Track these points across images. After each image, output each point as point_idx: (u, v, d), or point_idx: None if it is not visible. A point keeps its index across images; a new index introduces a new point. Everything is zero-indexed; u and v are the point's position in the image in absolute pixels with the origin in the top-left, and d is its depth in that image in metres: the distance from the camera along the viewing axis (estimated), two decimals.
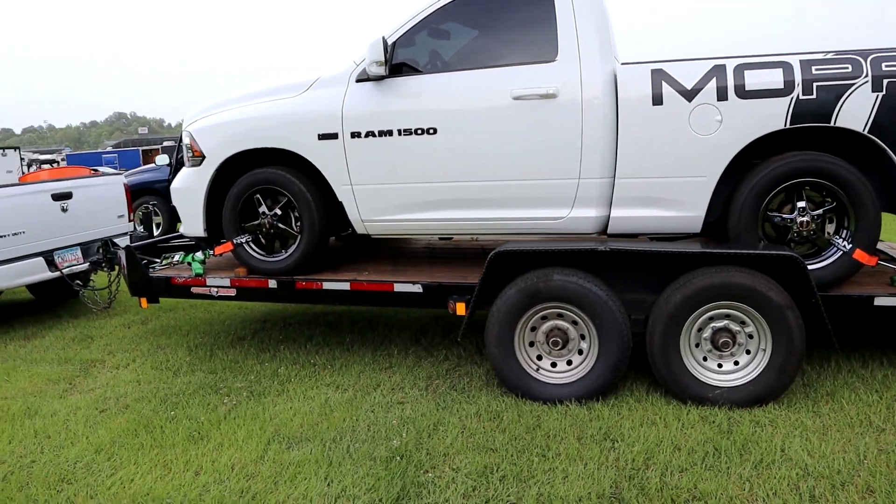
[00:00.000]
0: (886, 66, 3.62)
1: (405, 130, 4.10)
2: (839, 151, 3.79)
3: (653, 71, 3.84)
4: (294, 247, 4.39)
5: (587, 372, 3.81)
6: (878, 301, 3.73)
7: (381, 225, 4.30)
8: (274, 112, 4.28)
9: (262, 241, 4.48)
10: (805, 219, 3.80)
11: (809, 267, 3.80)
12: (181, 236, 5.19)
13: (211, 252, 4.57)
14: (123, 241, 5.68)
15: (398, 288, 4.20)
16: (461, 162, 4.06)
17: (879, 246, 5.50)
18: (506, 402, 3.84)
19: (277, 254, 4.46)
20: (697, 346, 3.76)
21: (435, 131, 4.06)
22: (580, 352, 3.87)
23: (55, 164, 28.43)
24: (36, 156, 31.48)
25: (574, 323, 3.84)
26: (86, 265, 5.91)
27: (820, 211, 3.81)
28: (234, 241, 4.43)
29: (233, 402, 4.00)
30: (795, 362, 3.59)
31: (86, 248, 5.97)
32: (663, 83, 3.81)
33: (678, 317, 3.66)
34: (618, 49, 4.12)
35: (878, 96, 3.60)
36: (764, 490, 2.88)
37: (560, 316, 3.86)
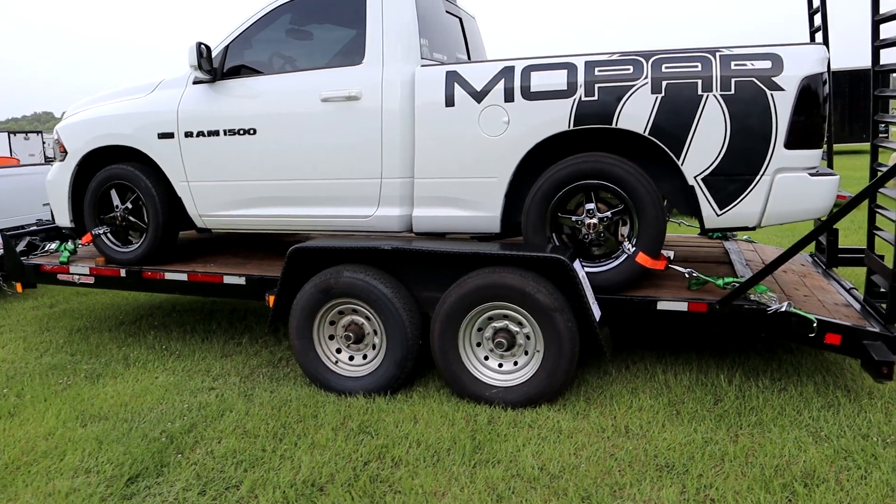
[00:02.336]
0: (666, 67, 3.56)
1: (229, 131, 4.31)
2: (636, 154, 3.76)
3: (447, 73, 3.90)
4: (143, 239, 4.69)
5: (377, 366, 3.94)
6: (661, 305, 3.69)
7: (215, 220, 4.54)
8: (123, 112, 4.59)
9: (119, 232, 4.82)
10: (593, 221, 3.79)
11: (596, 270, 3.81)
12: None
13: (80, 242, 4.94)
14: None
15: (227, 280, 4.43)
16: (278, 161, 4.24)
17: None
18: (303, 392, 4.01)
19: (130, 245, 4.78)
20: (479, 344, 3.83)
21: (255, 132, 4.26)
22: (374, 346, 4.00)
23: None
24: None
25: (368, 318, 3.98)
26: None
27: (608, 213, 3.78)
28: (93, 233, 4.78)
29: (68, 382, 4.35)
30: (565, 365, 3.60)
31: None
32: (456, 85, 3.87)
33: (454, 315, 3.74)
34: (430, 50, 4.18)
35: (657, 98, 3.55)
36: (461, 488, 2.97)
37: (355, 311, 4.00)
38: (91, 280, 4.78)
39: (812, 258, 5.20)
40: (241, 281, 4.38)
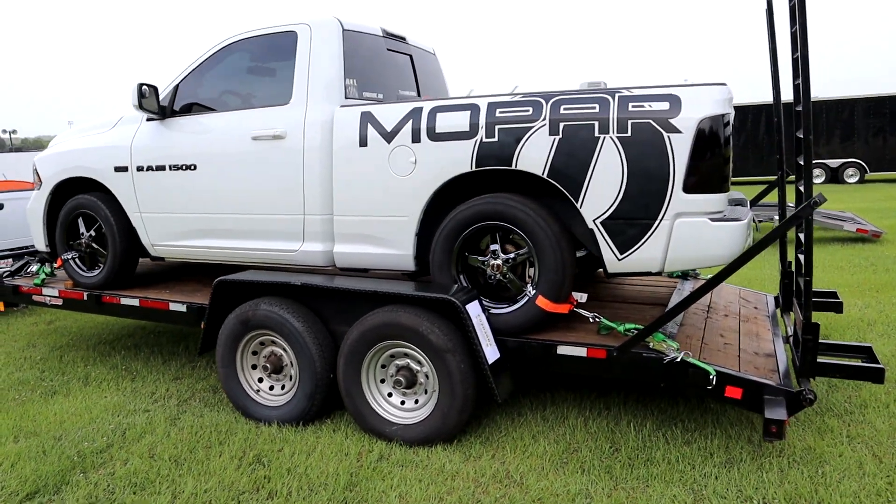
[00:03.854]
0: (565, 109, 3.53)
1: (174, 166, 4.55)
2: (547, 196, 3.71)
3: (362, 113, 3.99)
4: (104, 265, 4.99)
5: (291, 398, 4.04)
6: (561, 350, 3.62)
7: (165, 249, 4.78)
8: (88, 146, 4.92)
9: (84, 258, 5.14)
10: (497, 262, 3.77)
11: (499, 311, 3.79)
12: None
13: (55, 265, 5.30)
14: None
15: (172, 307, 4.65)
16: (216, 196, 4.44)
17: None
18: (226, 419, 4.16)
19: (94, 270, 5.09)
20: (383, 381, 3.87)
21: (195, 167, 4.48)
22: (290, 377, 4.10)
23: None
24: None
25: (285, 350, 4.09)
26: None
27: (512, 254, 3.76)
28: (62, 257, 5.12)
29: (24, 398, 4.67)
30: (458, 407, 3.59)
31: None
32: (369, 125, 3.96)
33: (356, 351, 3.80)
34: (358, 90, 4.28)
35: (554, 140, 3.52)
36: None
37: (274, 343, 4.13)
38: (59, 302, 5.12)
39: (776, 300, 4.96)
40: (184, 308, 4.59)
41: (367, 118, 3.97)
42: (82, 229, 5.07)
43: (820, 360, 3.51)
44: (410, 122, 3.84)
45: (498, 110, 3.66)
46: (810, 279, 3.34)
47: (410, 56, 4.99)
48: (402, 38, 4.92)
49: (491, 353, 3.60)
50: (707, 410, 4.01)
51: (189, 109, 4.63)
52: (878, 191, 18.76)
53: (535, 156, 3.57)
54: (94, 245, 5.04)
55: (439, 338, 3.57)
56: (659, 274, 3.65)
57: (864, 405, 3.97)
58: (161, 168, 4.60)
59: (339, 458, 3.61)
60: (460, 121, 3.72)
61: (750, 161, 22.55)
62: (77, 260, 5.13)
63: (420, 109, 3.84)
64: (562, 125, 3.51)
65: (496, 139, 3.64)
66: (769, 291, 6.14)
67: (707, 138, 3.34)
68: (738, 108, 22.46)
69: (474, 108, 3.71)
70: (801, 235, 3.65)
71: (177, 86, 4.61)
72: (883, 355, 4.73)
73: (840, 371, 3.49)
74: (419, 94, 5.02)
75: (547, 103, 3.56)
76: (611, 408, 4.10)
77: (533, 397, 4.32)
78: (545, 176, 3.56)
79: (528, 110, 3.59)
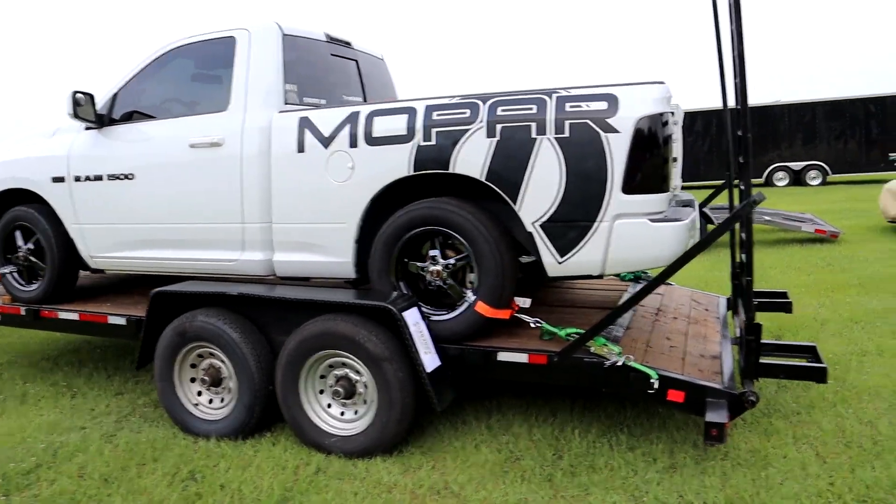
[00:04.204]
0: (502, 110, 3.47)
1: (111, 175, 4.42)
2: (488, 200, 3.64)
3: (300, 119, 3.91)
4: (43, 278, 4.83)
5: (230, 411, 3.92)
6: (502, 356, 3.54)
7: (104, 261, 4.64)
8: (24, 156, 4.78)
9: (23, 272, 4.98)
10: (437, 268, 3.69)
11: (440, 318, 3.70)
12: None
13: None
14: None
15: (111, 320, 4.51)
16: (154, 205, 4.31)
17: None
18: (164, 434, 4.02)
19: (33, 284, 4.93)
20: (322, 392, 3.76)
21: (132, 177, 4.35)
22: (229, 390, 3.98)
23: None
24: None
25: (224, 362, 3.97)
26: None
27: (452, 260, 3.68)
28: (0, 272, 4.95)
29: None
30: (396, 416, 3.50)
31: None
32: (306, 131, 3.87)
33: (293, 362, 3.69)
34: (299, 95, 4.19)
35: (492, 142, 3.46)
36: None
37: (212, 355, 4.00)
38: None
39: (727, 302, 4.94)
40: (123, 321, 4.45)
41: (304, 123, 3.88)
42: (20, 242, 4.91)
43: (764, 360, 3.48)
44: (348, 126, 3.76)
45: (435, 113, 3.59)
46: (751, 279, 3.31)
47: (356, 61, 4.92)
48: (348, 44, 4.85)
49: (430, 361, 3.52)
50: (654, 415, 3.96)
51: (130, 117, 4.51)
52: (840, 192, 19.05)
53: (472, 159, 3.50)
54: (31, 258, 4.88)
55: (377, 346, 3.48)
56: (600, 277, 3.60)
57: (811, 405, 3.94)
58: (98, 178, 4.47)
59: (276, 472, 3.49)
60: (398, 124, 3.65)
61: (714, 165, 22.84)
62: (15, 274, 4.96)
63: (357, 114, 3.76)
64: (499, 127, 3.46)
65: (434, 142, 3.57)
66: (727, 294, 6.13)
67: (645, 138, 3.30)
68: (702, 113, 22.81)
69: (411, 112, 3.64)
70: (743, 235, 3.63)
71: (115, 94, 4.49)
72: (833, 354, 4.72)
73: (783, 371, 3.46)
74: (365, 100, 4.94)
75: (484, 105, 3.51)
76: (557, 414, 4.03)
77: (479, 405, 4.24)
78: (483, 179, 3.50)
79: (465, 112, 3.53)
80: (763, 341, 3.67)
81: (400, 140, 3.64)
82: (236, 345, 3.80)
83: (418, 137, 3.59)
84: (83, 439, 4.02)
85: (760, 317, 5.49)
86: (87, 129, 4.56)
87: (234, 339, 3.80)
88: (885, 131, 21.69)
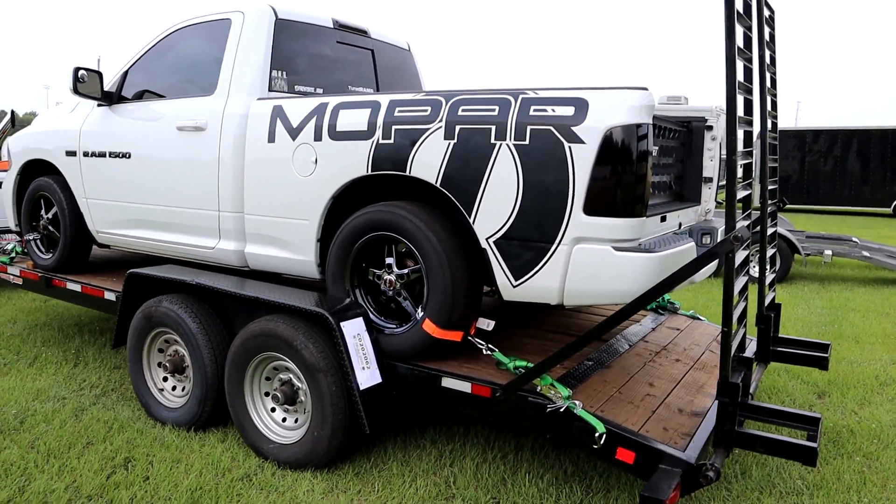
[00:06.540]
0: (463, 110, 3.12)
1: (113, 153, 4.47)
2: (448, 209, 3.31)
3: (273, 107, 3.73)
4: (58, 248, 5.00)
5: (185, 402, 3.85)
6: (446, 382, 3.21)
7: (108, 237, 4.72)
8: (45, 129, 4.96)
9: (44, 239, 5.19)
10: (390, 277, 3.40)
11: (388, 332, 3.42)
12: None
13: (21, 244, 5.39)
14: None
15: (107, 295, 4.58)
16: (145, 185, 4.31)
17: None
18: (128, 416, 4.02)
19: (51, 252, 5.12)
20: (268, 394, 3.59)
21: (129, 156, 4.37)
22: (189, 379, 3.91)
23: None
24: None
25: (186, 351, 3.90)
26: None
27: (406, 270, 3.38)
28: (25, 238, 5.19)
29: None
30: (328, 432, 3.26)
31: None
32: (278, 120, 3.69)
33: (238, 361, 3.55)
34: (288, 83, 4.01)
35: (449, 144, 3.12)
36: None
37: (177, 341, 3.94)
38: (20, 281, 5.19)
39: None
40: (114, 298, 4.50)
41: (277, 112, 3.70)
42: (42, 211, 5.11)
43: (743, 430, 2.91)
44: (315, 118, 3.54)
45: (397, 109, 3.29)
46: (729, 330, 2.75)
47: (372, 51, 4.68)
48: (363, 32, 4.62)
49: (367, 377, 3.24)
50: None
51: (141, 97, 4.54)
52: None
53: (428, 161, 3.18)
54: (50, 228, 5.07)
55: (312, 355, 3.26)
56: (562, 307, 3.16)
57: (819, 485, 3.29)
58: (102, 155, 4.54)
59: (204, 471, 3.37)
60: (360, 119, 3.38)
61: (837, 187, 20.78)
62: (38, 241, 5.18)
63: (325, 105, 3.53)
64: (458, 128, 3.10)
65: (392, 141, 3.27)
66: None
67: (615, 151, 2.83)
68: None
69: (375, 106, 3.36)
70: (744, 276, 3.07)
71: (126, 71, 4.53)
72: (877, 424, 3.96)
73: (763, 445, 2.86)
74: (377, 90, 4.70)
75: (446, 103, 3.16)
76: (521, 451, 3.63)
77: (447, 428, 3.91)
78: (438, 184, 3.16)
79: (426, 110, 3.21)
80: (750, 402, 3.10)
81: (360, 136, 3.37)
82: (193, 335, 3.71)
83: (378, 135, 3.31)
84: (55, 410, 4.10)
85: (797, 370, 4.77)
86: (99, 105, 4.63)
87: (192, 329, 3.71)
88: None
